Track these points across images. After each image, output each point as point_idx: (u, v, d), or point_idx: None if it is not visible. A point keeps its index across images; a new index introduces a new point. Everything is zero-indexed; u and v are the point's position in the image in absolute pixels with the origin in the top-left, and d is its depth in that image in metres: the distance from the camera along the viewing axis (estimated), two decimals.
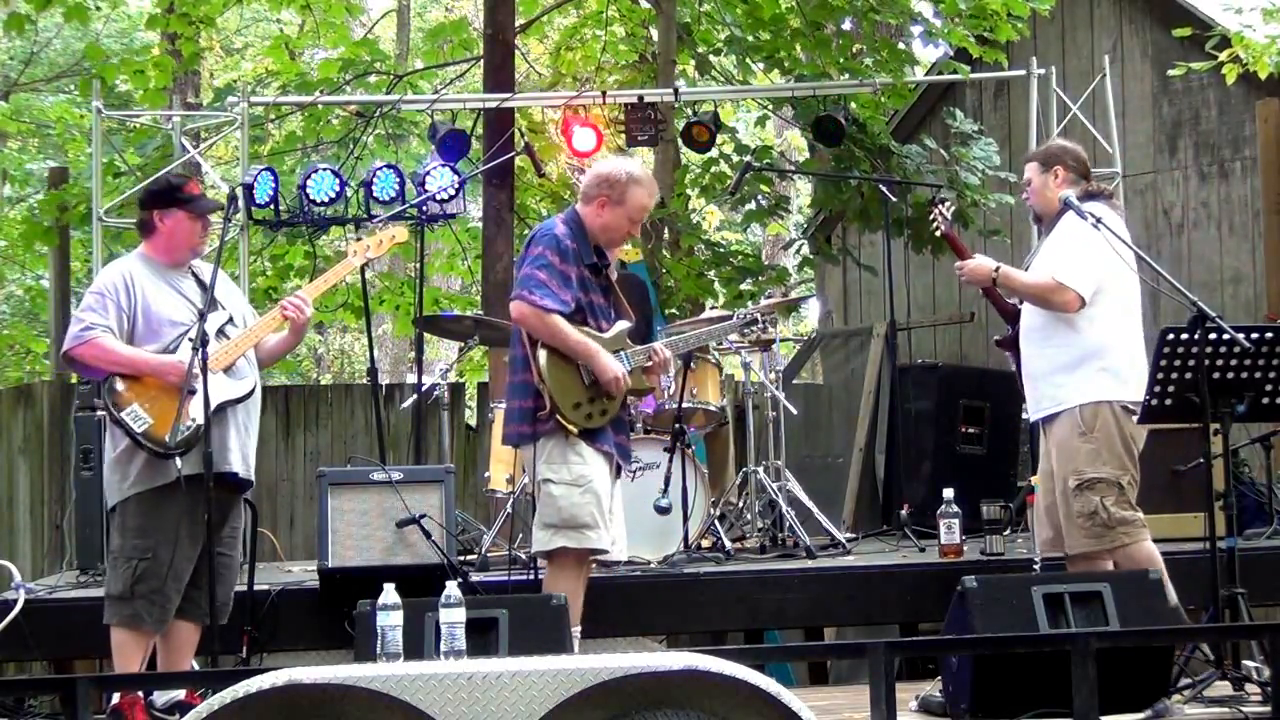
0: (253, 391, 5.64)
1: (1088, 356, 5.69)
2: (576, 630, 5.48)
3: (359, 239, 6.03)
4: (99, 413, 7.03)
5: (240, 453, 5.58)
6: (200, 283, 5.65)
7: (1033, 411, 5.94)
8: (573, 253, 5.61)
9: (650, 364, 5.84)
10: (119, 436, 5.45)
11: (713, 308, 11.54)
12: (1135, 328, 5.83)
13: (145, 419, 5.36)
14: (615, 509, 5.73)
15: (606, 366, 5.59)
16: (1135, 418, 5.65)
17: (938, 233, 6.22)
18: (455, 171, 8.63)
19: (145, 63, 10.80)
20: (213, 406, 5.37)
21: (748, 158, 11.41)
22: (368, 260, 6.13)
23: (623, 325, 5.77)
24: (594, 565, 5.94)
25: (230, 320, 5.64)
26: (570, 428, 5.54)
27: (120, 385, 5.40)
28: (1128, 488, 5.70)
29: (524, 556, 6.53)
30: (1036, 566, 6.24)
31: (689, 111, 9.81)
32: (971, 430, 8.95)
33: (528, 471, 5.80)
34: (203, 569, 5.44)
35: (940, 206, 6.19)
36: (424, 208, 8.23)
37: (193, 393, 5.30)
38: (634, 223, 5.78)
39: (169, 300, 5.55)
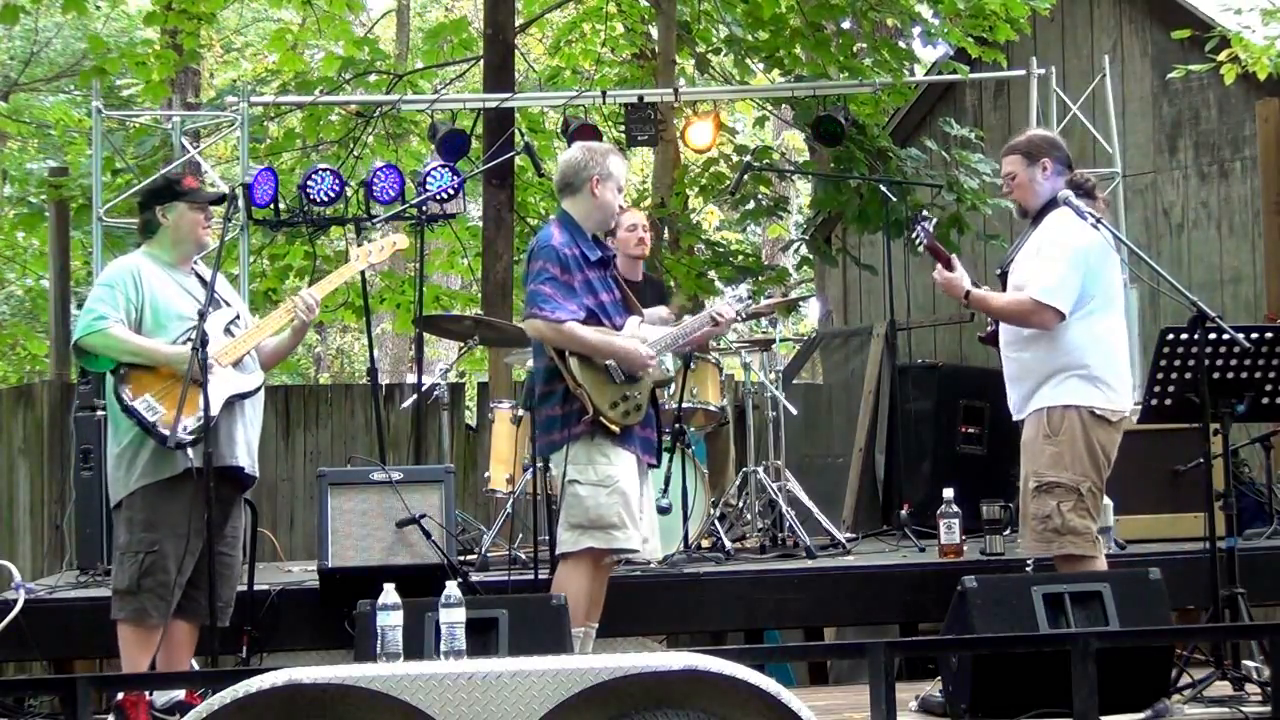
0: (260, 387, 5.66)
1: (1064, 362, 5.59)
2: (581, 631, 5.47)
3: (360, 244, 6.06)
4: (99, 413, 7.04)
5: (246, 447, 5.60)
6: (203, 281, 5.66)
7: (1014, 414, 5.92)
8: (574, 260, 5.60)
9: (716, 327, 5.96)
10: (124, 429, 5.45)
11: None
12: (1118, 330, 5.72)
13: (159, 409, 5.35)
14: (645, 507, 5.74)
15: (629, 351, 5.61)
16: (1109, 424, 5.59)
17: (920, 249, 6.19)
18: (455, 172, 8.63)
19: (146, 55, 10.78)
20: (223, 400, 5.42)
21: (747, 158, 11.41)
22: (370, 264, 6.18)
23: (637, 320, 5.78)
24: (619, 563, 5.93)
25: (237, 317, 5.68)
26: (613, 427, 5.54)
27: (133, 376, 5.40)
28: (1088, 495, 5.58)
29: (524, 556, 6.53)
30: (1028, 567, 6.24)
31: (689, 111, 9.82)
32: (971, 430, 8.95)
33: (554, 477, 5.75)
34: (202, 568, 5.44)
35: (921, 224, 6.13)
36: (424, 208, 8.23)
37: (198, 384, 5.28)
38: (621, 192, 5.79)
39: (175, 295, 5.57)
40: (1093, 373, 5.59)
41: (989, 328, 6.06)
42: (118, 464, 5.50)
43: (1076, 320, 5.59)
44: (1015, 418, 5.88)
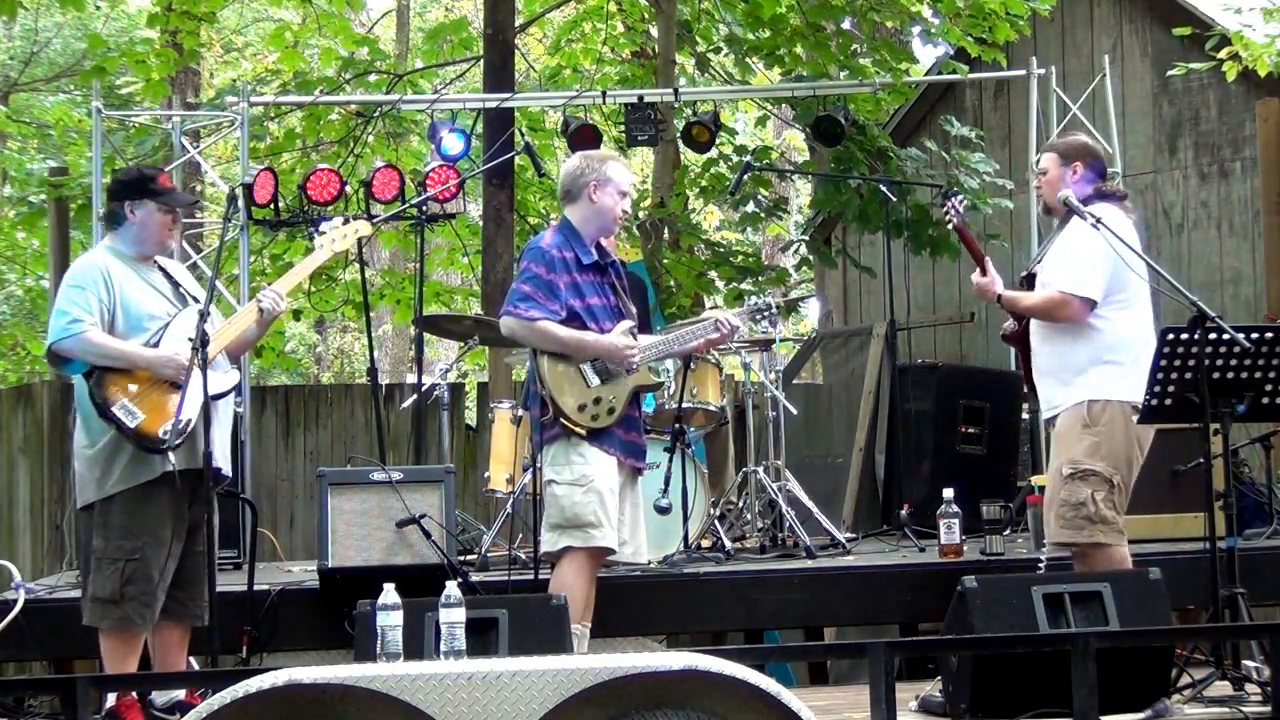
0: (234, 387, 5.60)
1: (1100, 354, 5.64)
2: (579, 628, 5.47)
3: (323, 232, 5.98)
4: None
5: (221, 447, 5.53)
6: (167, 275, 5.59)
7: (1044, 410, 5.92)
8: (562, 262, 5.62)
9: (716, 335, 5.95)
10: (97, 431, 5.34)
11: (712, 306, 11.55)
12: (1147, 326, 5.77)
13: (138, 414, 5.26)
14: (629, 510, 5.74)
15: (607, 345, 5.62)
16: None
17: (950, 225, 6.19)
18: (455, 171, 8.64)
19: (146, 54, 10.78)
20: (201, 401, 5.32)
21: (747, 158, 11.41)
22: (335, 253, 6.00)
23: (626, 325, 5.76)
24: (613, 565, 5.93)
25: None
26: (577, 430, 5.56)
27: (109, 379, 5.29)
28: (1118, 488, 5.63)
29: (524, 556, 6.53)
30: (1041, 566, 6.23)
31: (689, 111, 9.82)
32: (971, 430, 8.94)
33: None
34: (185, 568, 5.42)
35: (953, 200, 6.14)
36: (424, 208, 8.24)
37: (179, 387, 5.23)
38: (625, 196, 5.78)
39: (144, 294, 5.47)
40: (1130, 365, 5.62)
41: (1013, 326, 6.04)
42: (91, 466, 5.38)
43: (1112, 310, 5.65)
44: (1046, 415, 5.90)
